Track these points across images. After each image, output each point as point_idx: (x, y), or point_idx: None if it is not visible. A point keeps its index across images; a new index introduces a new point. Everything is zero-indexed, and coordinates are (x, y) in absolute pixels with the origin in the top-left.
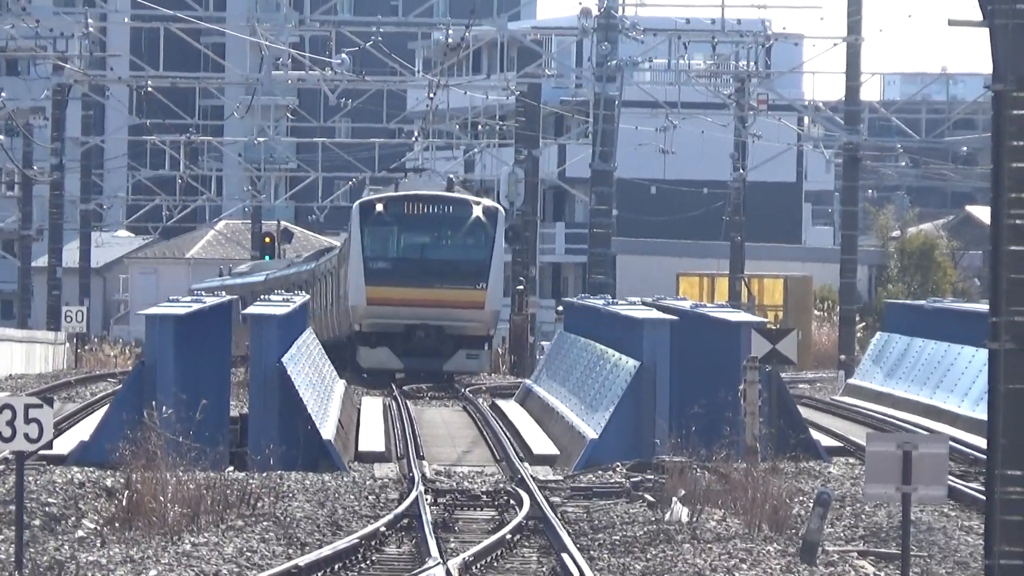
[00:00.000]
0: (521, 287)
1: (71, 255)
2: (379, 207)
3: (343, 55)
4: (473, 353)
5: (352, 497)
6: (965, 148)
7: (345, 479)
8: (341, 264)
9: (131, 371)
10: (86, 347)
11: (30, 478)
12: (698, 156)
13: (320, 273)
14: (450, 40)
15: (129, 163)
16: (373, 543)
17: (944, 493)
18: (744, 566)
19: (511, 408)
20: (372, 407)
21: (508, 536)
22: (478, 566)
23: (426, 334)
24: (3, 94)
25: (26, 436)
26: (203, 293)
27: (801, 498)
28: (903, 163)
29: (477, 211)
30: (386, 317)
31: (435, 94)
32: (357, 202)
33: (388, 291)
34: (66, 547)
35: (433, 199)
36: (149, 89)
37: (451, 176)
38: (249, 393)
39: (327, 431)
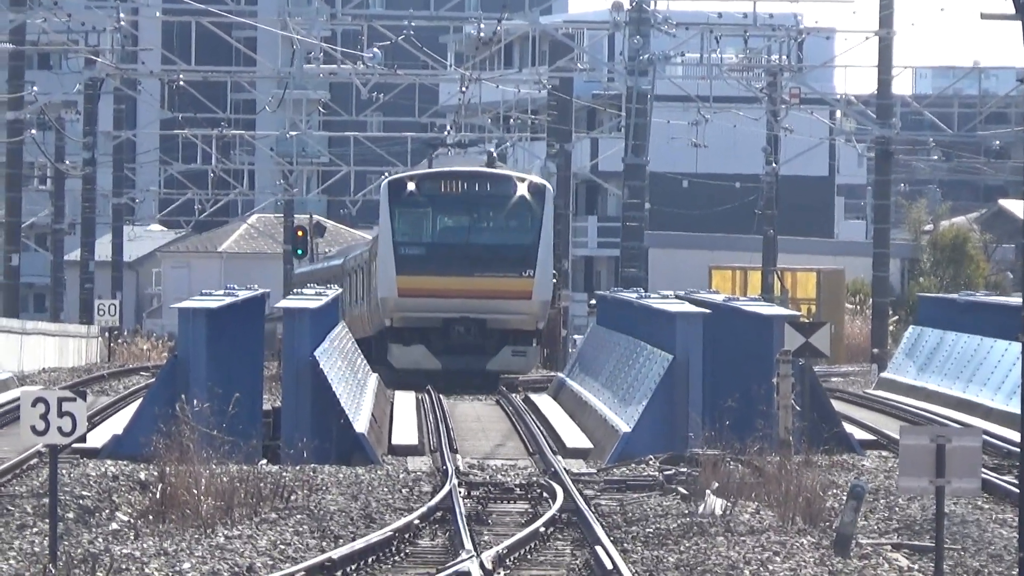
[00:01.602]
0: (554, 280)
1: (103, 249)
2: (411, 186)
3: (375, 49)
4: (520, 350)
5: (385, 490)
6: (997, 142)
7: (378, 472)
8: (372, 255)
9: (164, 365)
10: (119, 341)
11: (64, 471)
12: (730, 150)
13: (351, 266)
14: (482, 34)
15: (161, 157)
16: (407, 536)
17: (978, 486)
18: (778, 559)
19: (544, 402)
20: (405, 400)
21: (542, 529)
22: (512, 559)
23: (466, 329)
24: (35, 88)
25: (59, 430)
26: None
27: (835, 491)
28: (935, 157)
29: (522, 188)
30: (420, 310)
31: (467, 88)
32: (386, 180)
33: (422, 281)
34: (100, 540)
35: (472, 176)
36: (181, 83)
37: (491, 150)
38: (282, 386)
39: (360, 424)
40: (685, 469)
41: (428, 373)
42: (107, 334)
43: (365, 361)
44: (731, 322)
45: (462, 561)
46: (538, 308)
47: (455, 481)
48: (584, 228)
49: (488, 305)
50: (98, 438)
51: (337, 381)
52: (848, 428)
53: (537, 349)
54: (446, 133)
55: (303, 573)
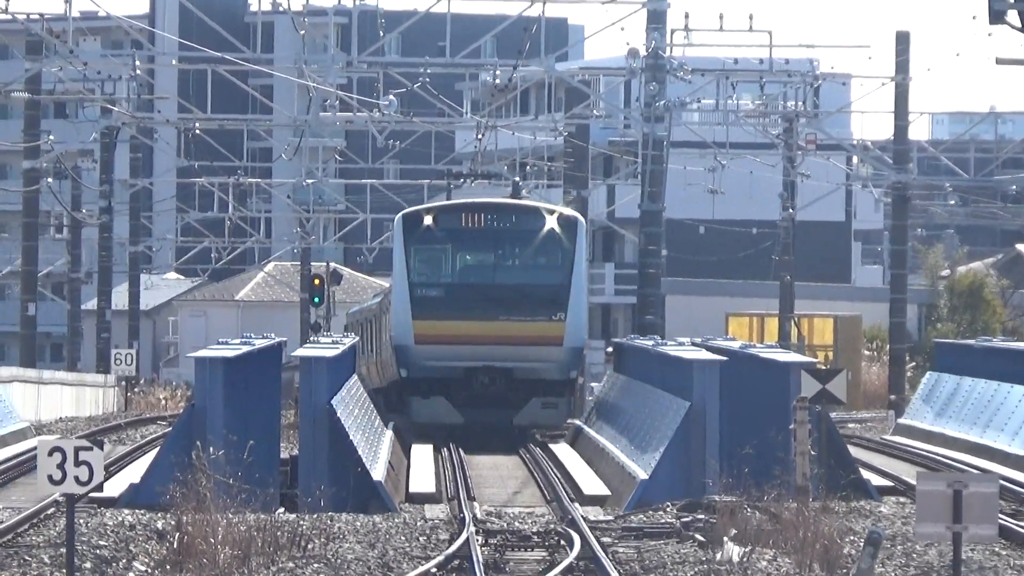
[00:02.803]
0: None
1: (120, 298)
2: (428, 219)
3: (391, 96)
4: (550, 402)
5: (403, 538)
6: (1014, 187)
7: (396, 520)
8: (387, 299)
9: (181, 413)
10: (136, 390)
11: (80, 520)
12: (747, 196)
13: (369, 312)
14: (498, 81)
15: (178, 205)
16: None
17: (995, 532)
18: None
19: (561, 449)
20: (422, 448)
21: None
22: None
23: (491, 379)
24: (51, 137)
25: (76, 479)
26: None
27: (852, 537)
28: (952, 202)
29: (552, 222)
30: (440, 359)
31: (483, 135)
32: (400, 213)
33: (441, 326)
34: None
35: (495, 208)
36: (197, 131)
37: (517, 179)
38: (299, 435)
39: (377, 472)
40: (703, 516)
41: (449, 428)
42: (124, 383)
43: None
44: (748, 369)
45: None
46: (570, 355)
47: (472, 529)
48: (601, 275)
49: (515, 352)
50: (115, 487)
51: (354, 429)
52: (865, 474)
53: (569, 401)
54: (461, 182)
55: None
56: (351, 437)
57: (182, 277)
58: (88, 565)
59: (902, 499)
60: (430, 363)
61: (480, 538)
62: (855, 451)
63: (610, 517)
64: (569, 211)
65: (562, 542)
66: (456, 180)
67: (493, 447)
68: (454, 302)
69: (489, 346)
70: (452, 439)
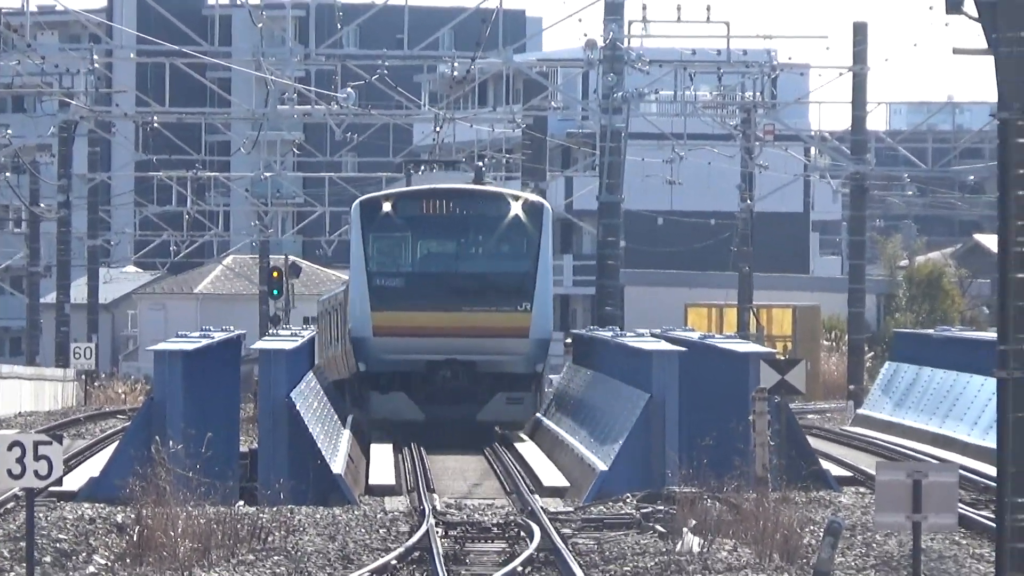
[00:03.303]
0: None
1: (79, 291)
2: (386, 206)
3: (349, 89)
4: (516, 396)
5: (363, 530)
6: (972, 177)
7: (356, 512)
8: (347, 289)
9: (140, 407)
10: (95, 384)
11: (40, 515)
12: (705, 187)
13: (332, 304)
14: (456, 73)
15: (136, 199)
16: None
17: (955, 521)
18: None
19: (520, 441)
20: (382, 445)
21: (519, 568)
22: None
23: (453, 373)
24: (9, 131)
25: (36, 473)
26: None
27: (812, 527)
28: (910, 192)
29: (516, 207)
30: (400, 352)
31: (441, 127)
32: (358, 200)
33: (401, 317)
34: None
35: (458, 193)
36: (155, 125)
37: (480, 164)
38: (258, 428)
39: (337, 465)
40: (662, 507)
41: (409, 424)
42: (83, 377)
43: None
44: (707, 360)
45: None
46: (536, 348)
47: (432, 521)
48: (560, 267)
49: (478, 345)
50: (75, 481)
51: (313, 422)
52: (825, 465)
53: (535, 396)
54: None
55: None
56: (310, 430)
57: (141, 271)
58: (48, 559)
59: (861, 489)
60: (389, 356)
61: (440, 530)
62: (814, 442)
63: (570, 508)
64: (535, 197)
65: (522, 533)
66: (415, 168)
67: (455, 446)
68: (414, 292)
69: (451, 338)
70: (413, 437)
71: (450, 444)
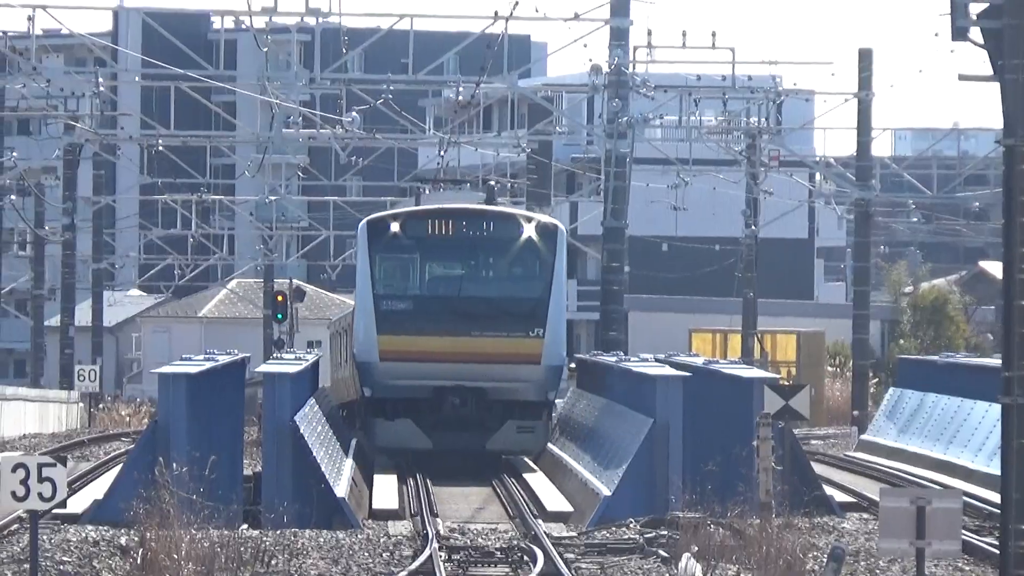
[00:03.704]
0: None
1: (83, 314)
2: (394, 227)
3: (354, 113)
4: (526, 425)
5: (366, 554)
6: (977, 203)
7: (359, 536)
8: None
9: (144, 430)
10: (99, 406)
11: (44, 537)
12: (710, 213)
13: (341, 325)
14: (461, 97)
15: (140, 222)
16: None
17: (958, 548)
18: None
19: (525, 466)
20: (386, 474)
21: None
22: None
23: (462, 400)
24: (15, 154)
25: (40, 495)
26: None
27: (815, 553)
28: (915, 219)
29: (529, 230)
30: (407, 377)
31: (446, 151)
32: (364, 220)
33: (409, 341)
34: None
35: (468, 214)
36: (160, 148)
37: (492, 184)
38: (262, 451)
39: (340, 489)
40: (666, 532)
41: (416, 453)
42: (87, 399)
43: (345, 424)
44: (711, 385)
45: None
46: (549, 375)
47: (436, 545)
48: None
49: (488, 371)
50: (79, 503)
51: (317, 445)
52: (829, 490)
53: (547, 425)
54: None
55: None
56: (314, 454)
57: (145, 294)
58: None
59: (865, 515)
60: (396, 382)
61: (443, 554)
62: (818, 467)
63: (573, 533)
64: (548, 219)
65: (525, 558)
66: (424, 185)
67: (462, 477)
68: (423, 316)
69: (460, 364)
70: (418, 466)
71: (456, 475)
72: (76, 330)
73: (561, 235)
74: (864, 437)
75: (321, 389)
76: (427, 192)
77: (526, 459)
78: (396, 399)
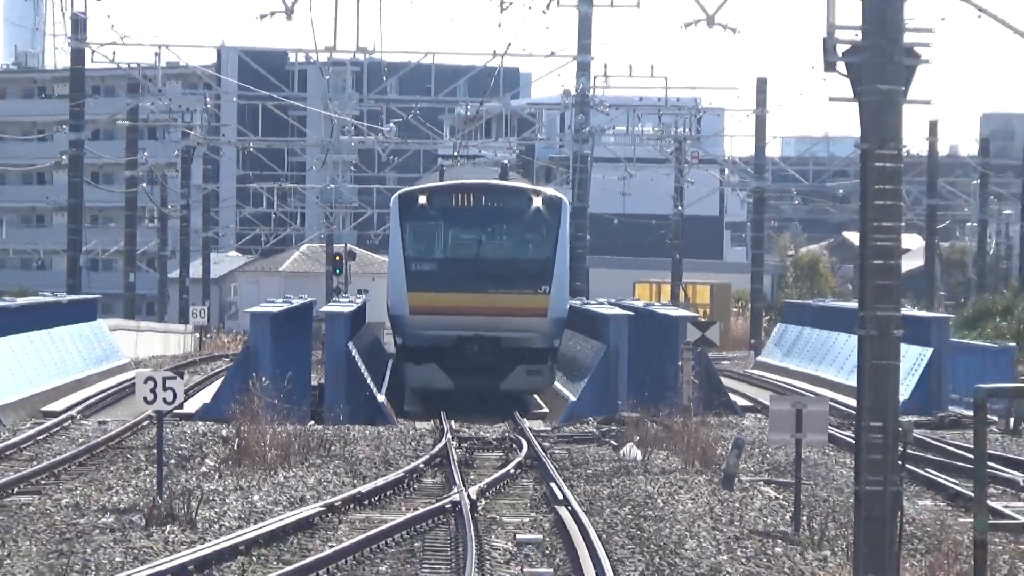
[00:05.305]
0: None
1: (195, 270)
2: (422, 199)
3: (391, 124)
4: (535, 369)
5: (400, 443)
6: (841, 191)
7: (394, 430)
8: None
9: (239, 353)
10: (207, 336)
11: (167, 430)
12: (648, 197)
13: None
14: (468, 113)
15: (237, 203)
16: (415, 475)
17: (826, 439)
18: (682, 491)
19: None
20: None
21: (511, 470)
22: (490, 491)
23: (480, 348)
24: (146, 153)
25: (164, 400)
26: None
27: (723, 442)
28: (796, 201)
29: (537, 202)
30: (433, 328)
31: (458, 152)
32: (396, 194)
33: (434, 298)
34: (194, 479)
35: (485, 189)
36: (251, 149)
37: (505, 161)
38: (325, 368)
39: (381, 396)
40: (615, 427)
41: (440, 393)
42: (199, 331)
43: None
44: (649, 321)
45: (454, 494)
46: (554, 326)
47: (449, 436)
48: None
49: (502, 323)
50: (192, 406)
51: (364, 365)
52: (733, 397)
53: (552, 368)
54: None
55: (340, 502)
56: (362, 370)
57: (240, 255)
58: (172, 461)
59: (759, 415)
60: (424, 332)
61: (455, 443)
62: (726, 381)
63: (548, 428)
64: (554, 192)
65: (514, 446)
66: (447, 161)
67: (479, 415)
68: (446, 276)
69: (478, 317)
70: (441, 406)
71: (474, 413)
72: (190, 281)
73: (565, 207)
74: (759, 359)
75: (367, 324)
76: (451, 166)
77: (536, 397)
78: (424, 347)
